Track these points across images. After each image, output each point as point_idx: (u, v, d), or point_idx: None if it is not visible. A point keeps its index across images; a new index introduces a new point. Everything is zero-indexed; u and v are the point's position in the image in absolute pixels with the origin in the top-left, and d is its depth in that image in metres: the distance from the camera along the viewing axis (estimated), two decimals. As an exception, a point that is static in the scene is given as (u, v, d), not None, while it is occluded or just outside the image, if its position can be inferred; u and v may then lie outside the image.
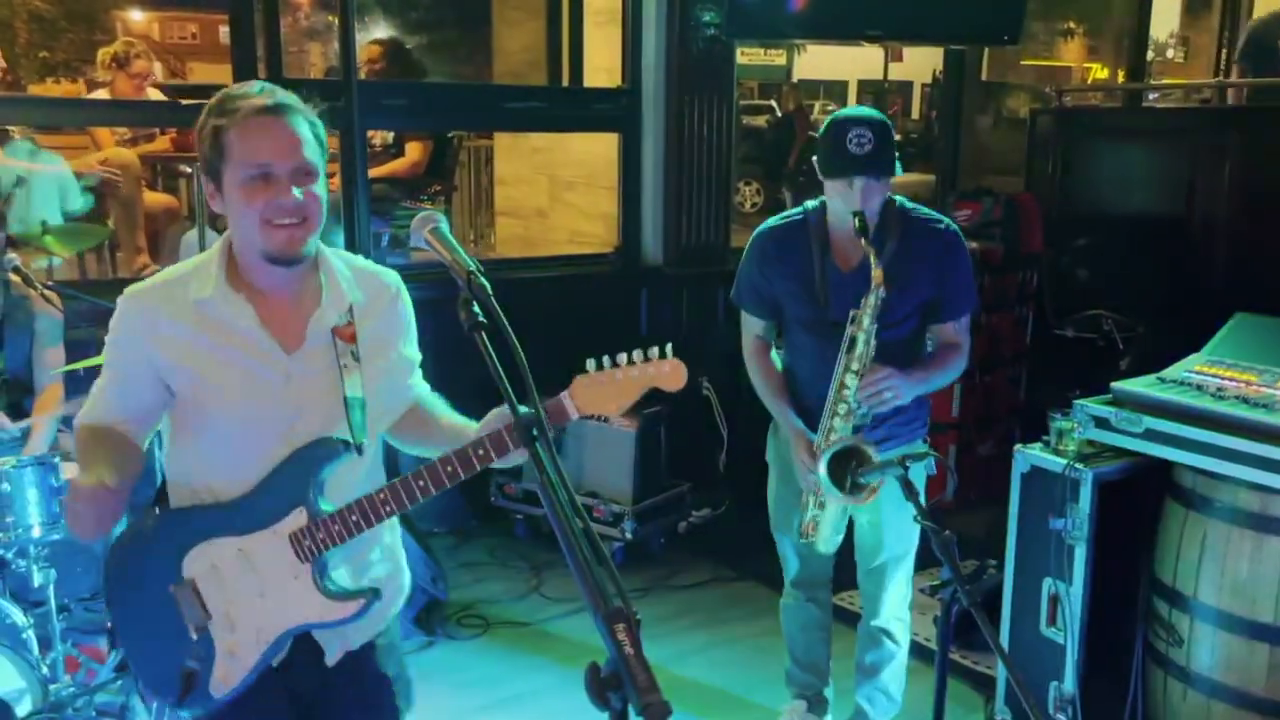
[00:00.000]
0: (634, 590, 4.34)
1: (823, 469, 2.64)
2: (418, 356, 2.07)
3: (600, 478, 4.62)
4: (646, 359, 1.82)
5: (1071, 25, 19.67)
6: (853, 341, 2.68)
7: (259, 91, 1.80)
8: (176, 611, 1.87)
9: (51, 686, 2.99)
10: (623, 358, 1.82)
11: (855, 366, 2.68)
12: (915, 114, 23.66)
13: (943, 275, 2.79)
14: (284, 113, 1.78)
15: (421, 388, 2.09)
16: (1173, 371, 3.14)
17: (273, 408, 1.85)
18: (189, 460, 1.92)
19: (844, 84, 25.37)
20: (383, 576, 2.01)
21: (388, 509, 1.82)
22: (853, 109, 2.80)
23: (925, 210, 2.86)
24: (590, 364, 1.83)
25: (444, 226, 1.66)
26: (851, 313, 2.67)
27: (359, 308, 1.90)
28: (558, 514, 1.35)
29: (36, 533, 3.06)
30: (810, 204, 2.88)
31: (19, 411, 3.59)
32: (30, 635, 3.08)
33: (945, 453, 5.10)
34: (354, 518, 1.83)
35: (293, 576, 1.85)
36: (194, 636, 1.86)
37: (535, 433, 1.44)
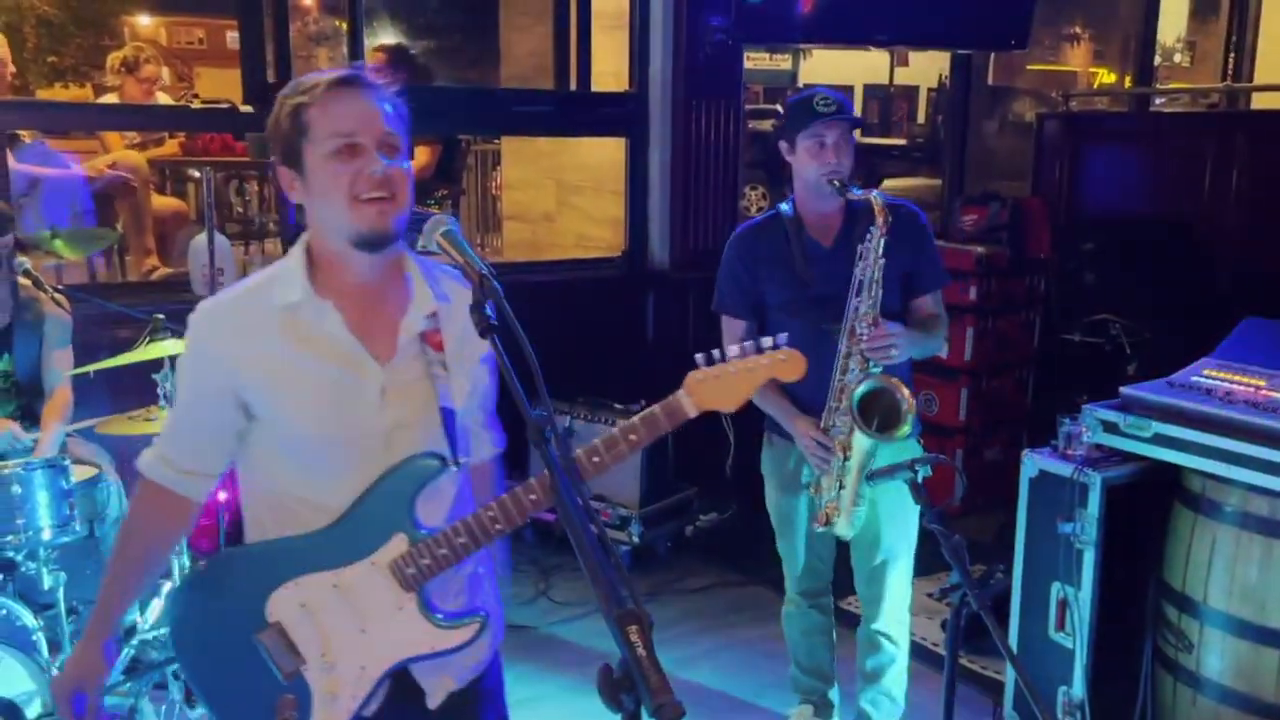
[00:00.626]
0: (640, 595, 4.34)
1: (856, 399, 2.70)
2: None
3: (607, 481, 4.62)
4: (759, 350, 1.74)
5: (1078, 30, 19.65)
6: (860, 285, 2.74)
7: (341, 69, 1.73)
8: (262, 657, 1.74)
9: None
10: (733, 350, 1.74)
11: (865, 309, 2.73)
12: (921, 118, 23.67)
13: (915, 250, 2.91)
14: (369, 86, 1.70)
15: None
16: (1182, 376, 3.13)
17: (368, 423, 1.72)
18: (275, 487, 1.78)
19: (849, 88, 25.36)
20: (490, 607, 1.88)
21: (498, 527, 1.69)
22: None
23: (888, 198, 2.92)
24: (699, 359, 1.75)
25: (456, 230, 1.64)
26: (860, 248, 2.74)
27: (443, 311, 1.77)
28: (570, 516, 1.35)
29: (47, 535, 3.07)
30: (782, 203, 2.99)
31: (30, 415, 3.60)
32: (40, 638, 3.08)
33: (952, 457, 5.10)
34: (460, 539, 1.70)
35: (397, 608, 1.72)
36: (285, 683, 1.74)
37: (547, 435, 1.43)
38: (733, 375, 1.74)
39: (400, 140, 1.72)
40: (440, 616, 1.75)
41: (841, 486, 2.82)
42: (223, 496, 3.95)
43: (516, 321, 1.51)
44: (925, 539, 2.91)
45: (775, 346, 1.75)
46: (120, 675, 3.35)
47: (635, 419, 1.75)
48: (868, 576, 3.07)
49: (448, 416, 1.70)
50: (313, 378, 1.71)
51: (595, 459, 1.73)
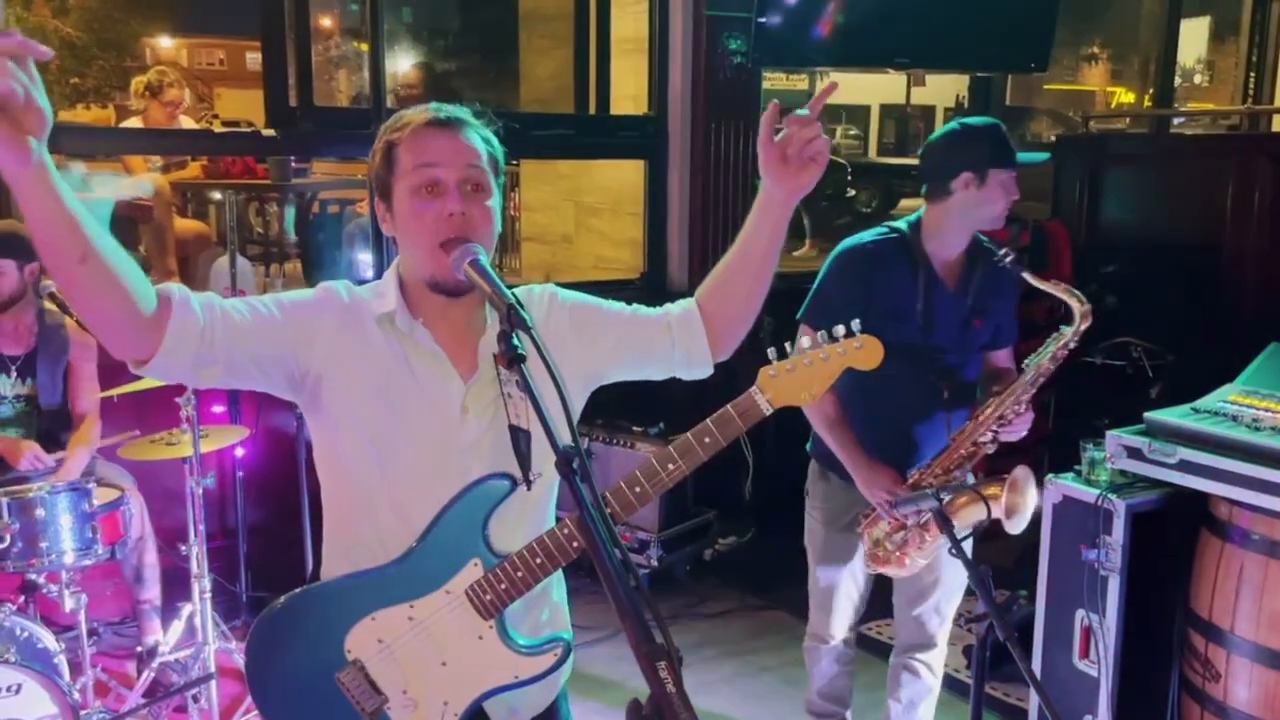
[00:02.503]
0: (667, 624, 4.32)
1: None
2: (618, 309, 1.87)
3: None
4: (833, 339, 1.70)
5: (1096, 50, 19.65)
6: (1025, 370, 2.65)
7: (433, 108, 1.73)
8: (344, 697, 1.71)
9: (82, 712, 3.01)
10: (804, 341, 1.70)
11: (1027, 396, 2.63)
12: (938, 138, 23.65)
13: (1006, 305, 2.85)
14: (456, 126, 1.71)
15: (671, 312, 1.86)
16: (1207, 402, 3.11)
17: (448, 437, 1.72)
18: (354, 508, 1.77)
19: (866, 108, 25.39)
20: (565, 632, 1.84)
21: (575, 545, 1.64)
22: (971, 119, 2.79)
23: (989, 240, 2.83)
24: (771, 353, 1.70)
25: (484, 259, 1.62)
26: (1057, 336, 2.63)
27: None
28: (599, 549, 1.34)
29: (69, 559, 3.09)
30: (899, 223, 2.80)
31: (53, 439, 3.62)
32: (62, 660, 3.09)
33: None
34: (537, 560, 1.67)
35: (476, 637, 1.69)
36: None
37: (575, 466, 1.41)
38: (807, 367, 1.70)
39: (486, 178, 1.72)
40: (521, 643, 1.72)
41: (904, 529, 2.71)
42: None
43: (546, 351, 1.50)
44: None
45: (850, 334, 1.70)
46: (140, 699, 3.36)
47: (707, 422, 1.71)
48: (921, 609, 3.00)
49: (518, 436, 1.64)
50: (404, 382, 1.72)
51: (670, 465, 1.70)
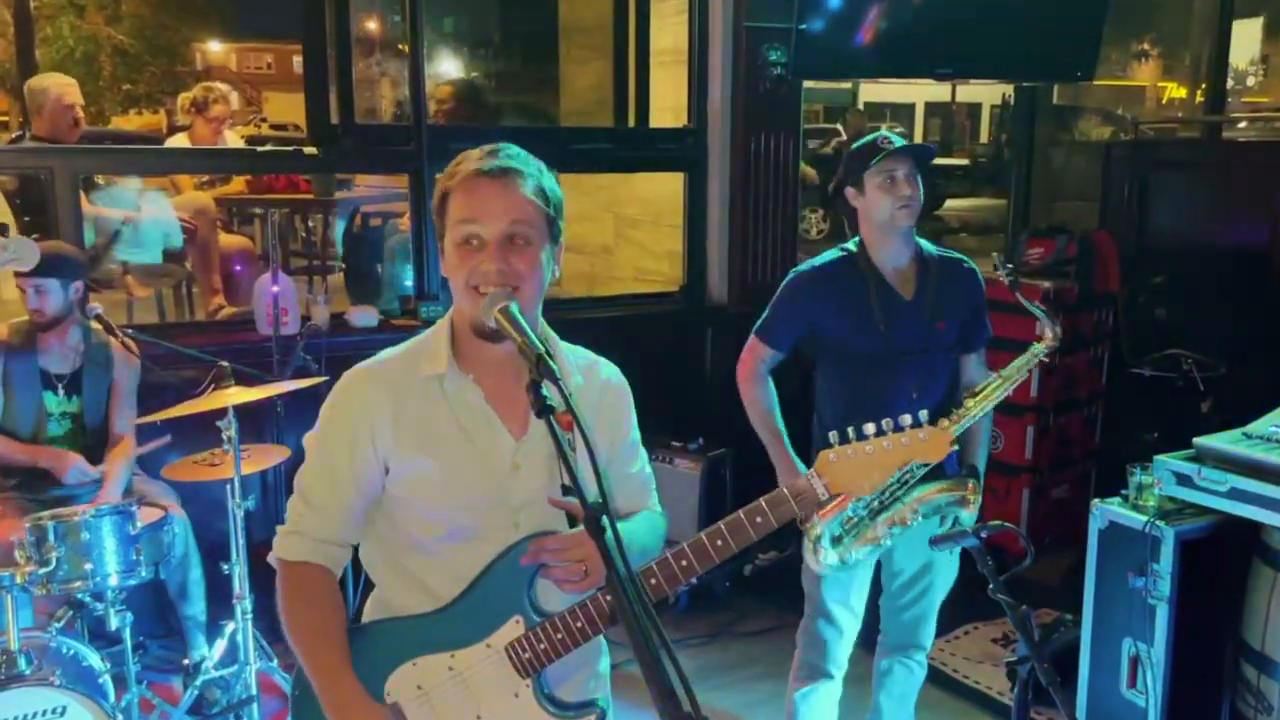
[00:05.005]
0: (699, 637, 4.30)
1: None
2: (634, 466, 1.91)
3: (667, 518, 4.58)
4: (898, 428, 1.67)
5: (1146, 47, 19.29)
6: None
7: (488, 152, 1.71)
8: None
9: (126, 732, 3.04)
10: (869, 428, 1.67)
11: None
12: (984, 137, 23.37)
13: (973, 308, 2.94)
14: (504, 176, 1.68)
15: (635, 503, 1.91)
16: (1259, 426, 3.03)
17: (501, 495, 1.73)
18: (403, 555, 1.78)
19: (910, 106, 25.17)
20: (603, 699, 1.83)
21: (610, 596, 1.61)
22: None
23: (940, 249, 2.98)
24: (833, 437, 1.67)
25: (514, 308, 1.62)
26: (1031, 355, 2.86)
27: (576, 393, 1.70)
28: (627, 611, 1.33)
29: (114, 580, 3.12)
30: (849, 244, 2.93)
31: (94, 458, 3.68)
32: (107, 680, 3.14)
33: (1019, 497, 4.99)
34: (579, 624, 1.66)
35: (512, 694, 1.69)
36: None
37: (605, 524, 1.40)
38: (869, 455, 1.67)
39: (533, 231, 1.70)
40: (556, 706, 1.71)
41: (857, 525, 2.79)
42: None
43: (575, 403, 1.49)
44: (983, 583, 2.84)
45: (916, 424, 1.67)
46: (186, 715, 3.40)
47: (761, 501, 1.71)
48: (912, 613, 3.03)
49: (569, 495, 1.65)
50: (453, 445, 1.72)
51: (719, 542, 1.69)
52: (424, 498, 1.74)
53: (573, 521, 1.69)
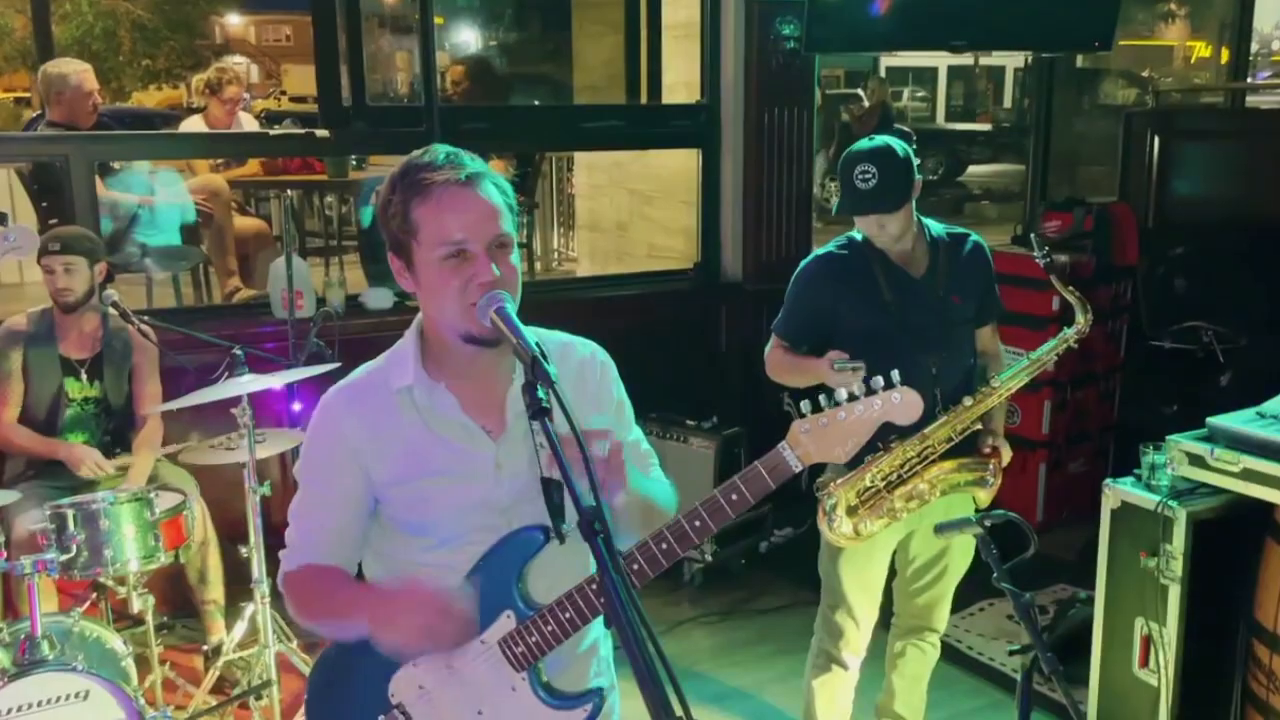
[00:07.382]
0: (714, 614, 4.33)
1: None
2: (630, 435, 1.89)
3: (679, 498, 4.60)
4: (870, 391, 1.63)
5: (1173, 7, 18.93)
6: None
7: (444, 160, 1.67)
8: None
9: (150, 714, 3.09)
10: (842, 394, 1.63)
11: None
12: (1007, 101, 23.05)
13: (986, 282, 2.97)
14: (476, 183, 1.66)
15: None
16: (1273, 406, 3.00)
17: (488, 497, 1.74)
18: (399, 566, 1.80)
19: (933, 70, 24.83)
20: (605, 688, 1.83)
21: (603, 600, 1.60)
22: (861, 143, 2.84)
23: (947, 225, 3.00)
24: (805, 405, 1.64)
25: (510, 308, 1.61)
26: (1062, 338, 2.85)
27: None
28: (619, 616, 1.34)
29: (134, 566, 3.18)
30: (853, 233, 2.94)
31: (120, 440, 3.74)
32: (130, 663, 3.19)
33: (1035, 471, 4.98)
34: (567, 615, 1.67)
35: (510, 688, 1.71)
36: None
37: (597, 528, 1.41)
38: (840, 422, 1.63)
39: (512, 236, 1.70)
40: (553, 697, 1.73)
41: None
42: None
43: (568, 405, 1.49)
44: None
45: (889, 385, 1.64)
46: (207, 696, 3.47)
47: (735, 479, 1.70)
48: (927, 597, 3.05)
49: (549, 488, 1.63)
50: (435, 460, 1.73)
51: (697, 523, 1.69)
52: (413, 513, 1.76)
53: (559, 508, 1.63)
